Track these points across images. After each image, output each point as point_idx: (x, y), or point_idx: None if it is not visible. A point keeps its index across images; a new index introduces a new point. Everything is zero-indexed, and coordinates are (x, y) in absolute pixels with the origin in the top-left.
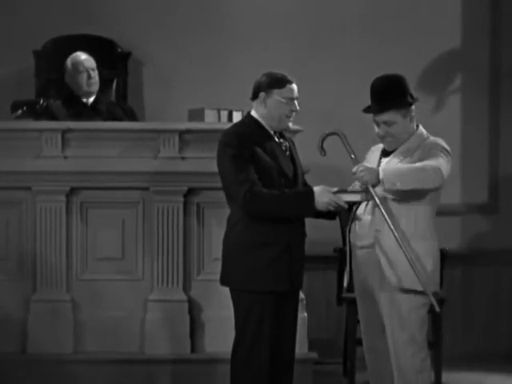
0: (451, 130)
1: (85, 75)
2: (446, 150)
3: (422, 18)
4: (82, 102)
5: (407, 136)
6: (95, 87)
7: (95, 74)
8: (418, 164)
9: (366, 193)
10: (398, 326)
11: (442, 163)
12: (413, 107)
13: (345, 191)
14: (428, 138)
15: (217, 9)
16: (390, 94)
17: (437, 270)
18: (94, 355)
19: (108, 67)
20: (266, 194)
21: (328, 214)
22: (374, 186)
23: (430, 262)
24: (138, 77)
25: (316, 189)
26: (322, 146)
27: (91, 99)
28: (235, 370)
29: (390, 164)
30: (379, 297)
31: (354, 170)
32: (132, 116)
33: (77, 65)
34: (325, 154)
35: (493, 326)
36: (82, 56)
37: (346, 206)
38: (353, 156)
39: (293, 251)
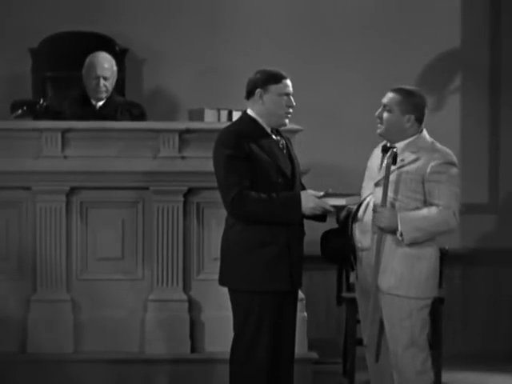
0: (451, 130)
1: (94, 82)
2: (454, 164)
3: (422, 18)
4: (91, 104)
5: (397, 133)
6: (103, 95)
7: (107, 83)
8: (435, 216)
9: (352, 196)
10: (398, 327)
11: (454, 199)
12: (416, 111)
13: (331, 195)
14: (433, 145)
15: (217, 7)
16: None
17: (434, 276)
18: (93, 355)
19: None
20: (253, 199)
21: (316, 217)
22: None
23: (426, 267)
24: (137, 74)
25: (302, 194)
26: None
27: (100, 102)
28: (234, 371)
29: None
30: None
31: (378, 209)
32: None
33: (90, 69)
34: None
35: (492, 325)
36: (99, 61)
37: (332, 210)
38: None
39: (292, 251)
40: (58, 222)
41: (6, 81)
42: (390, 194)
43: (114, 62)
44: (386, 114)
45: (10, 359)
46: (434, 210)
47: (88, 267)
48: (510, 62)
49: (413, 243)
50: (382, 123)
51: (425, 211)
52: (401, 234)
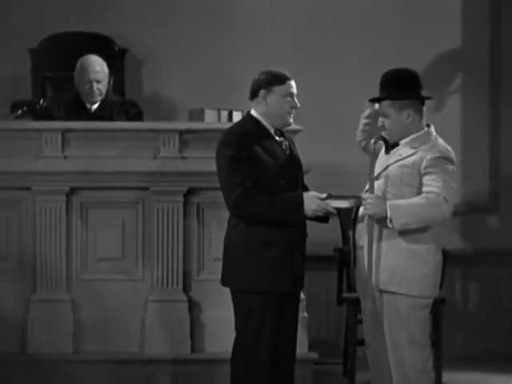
0: (451, 130)
1: (87, 86)
2: (451, 160)
3: (422, 18)
4: (86, 108)
5: (401, 132)
6: (97, 98)
7: (100, 86)
8: (425, 200)
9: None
10: (397, 326)
11: (447, 188)
12: (412, 104)
13: (334, 196)
14: (436, 139)
15: (217, 7)
16: (389, 86)
17: (433, 275)
18: (93, 355)
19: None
20: (255, 200)
21: (319, 218)
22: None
23: (425, 265)
24: (136, 75)
25: (304, 195)
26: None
27: (95, 106)
28: (235, 371)
29: (393, 157)
30: (378, 296)
31: (365, 196)
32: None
33: (82, 73)
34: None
35: (493, 326)
36: (91, 65)
37: (335, 212)
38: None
39: (294, 251)
40: (58, 222)
41: (6, 81)
42: (386, 187)
43: (105, 64)
44: (386, 121)
45: (10, 359)
46: (423, 195)
47: (88, 267)
48: (511, 61)
49: (404, 230)
50: (385, 129)
51: (415, 198)
52: (390, 221)
